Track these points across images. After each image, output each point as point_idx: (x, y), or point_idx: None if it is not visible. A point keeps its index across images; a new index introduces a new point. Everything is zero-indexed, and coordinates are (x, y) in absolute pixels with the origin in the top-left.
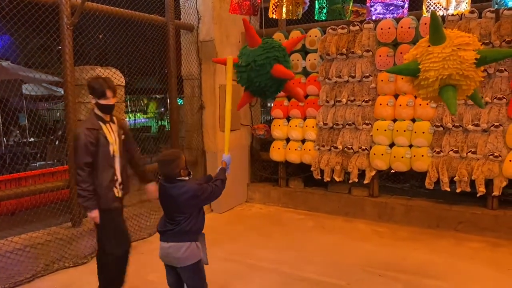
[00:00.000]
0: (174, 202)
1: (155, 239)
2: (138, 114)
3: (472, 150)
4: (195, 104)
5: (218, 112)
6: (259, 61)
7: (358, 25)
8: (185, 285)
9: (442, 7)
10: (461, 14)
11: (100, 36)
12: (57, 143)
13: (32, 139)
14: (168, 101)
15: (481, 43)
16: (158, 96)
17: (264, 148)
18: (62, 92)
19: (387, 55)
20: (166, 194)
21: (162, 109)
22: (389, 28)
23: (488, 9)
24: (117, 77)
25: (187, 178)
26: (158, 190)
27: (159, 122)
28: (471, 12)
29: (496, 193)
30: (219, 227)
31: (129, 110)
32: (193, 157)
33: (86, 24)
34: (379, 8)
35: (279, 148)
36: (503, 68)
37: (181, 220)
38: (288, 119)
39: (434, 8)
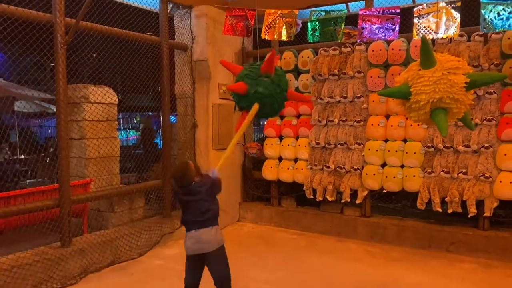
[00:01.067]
0: (200, 198)
1: (146, 259)
2: (130, 131)
3: (463, 170)
4: (188, 122)
5: (211, 130)
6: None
7: (349, 46)
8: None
9: (432, 30)
10: (451, 38)
11: (94, 55)
12: (48, 160)
13: (22, 156)
14: (161, 119)
15: (470, 66)
16: (151, 114)
17: (256, 167)
18: (54, 110)
19: (378, 76)
20: (189, 199)
21: (155, 127)
22: (380, 50)
23: (477, 33)
24: (110, 96)
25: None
26: (178, 201)
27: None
28: (460, 35)
29: (487, 214)
30: None
31: (122, 128)
32: None
33: (81, 43)
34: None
35: (271, 167)
36: (492, 91)
37: (208, 209)
38: (281, 138)
39: (424, 31)
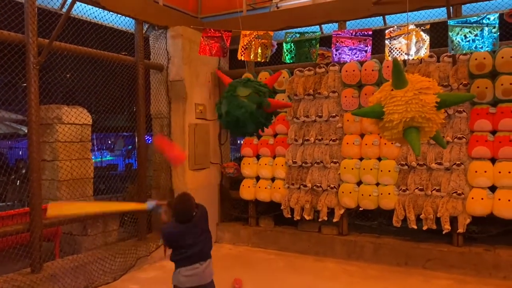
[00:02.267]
0: (202, 226)
1: (121, 283)
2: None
3: (436, 188)
4: None
5: (187, 151)
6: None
7: (324, 67)
8: None
9: (403, 52)
10: (421, 58)
11: (68, 75)
12: (18, 183)
13: None
14: (136, 140)
15: (440, 85)
16: (126, 134)
17: (233, 186)
18: (26, 131)
19: (352, 96)
20: (191, 230)
21: (130, 146)
22: (354, 70)
23: (446, 54)
24: (84, 116)
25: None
26: (177, 234)
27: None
28: (430, 56)
29: (460, 230)
30: None
31: (96, 148)
32: (161, 197)
33: (54, 63)
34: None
35: (249, 186)
36: (461, 109)
37: (206, 238)
38: (258, 157)
39: (395, 53)
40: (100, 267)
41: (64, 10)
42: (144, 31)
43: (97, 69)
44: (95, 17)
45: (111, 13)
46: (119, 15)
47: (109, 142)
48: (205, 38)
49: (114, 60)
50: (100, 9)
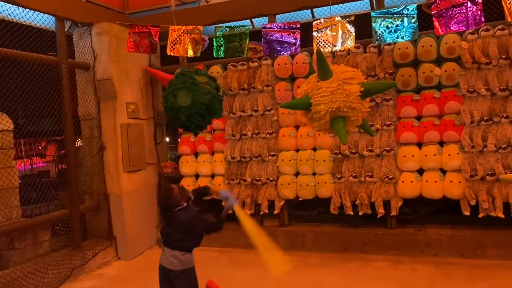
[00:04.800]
0: (175, 230)
1: None
2: (34, 158)
3: (369, 174)
4: (94, 145)
5: (121, 152)
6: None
7: (256, 61)
8: None
9: (330, 43)
10: (348, 49)
11: None
12: None
13: None
14: (65, 143)
15: (368, 75)
16: (58, 138)
17: None
18: None
19: (286, 89)
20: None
21: (63, 151)
22: (285, 64)
23: (371, 45)
24: (4, 122)
25: (185, 204)
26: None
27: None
28: (357, 47)
29: (394, 213)
30: (129, 275)
31: (24, 155)
32: (95, 202)
33: None
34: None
35: (188, 185)
36: (388, 98)
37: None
38: (196, 154)
39: (323, 44)
40: (31, 282)
41: None
42: (66, 29)
43: (20, 71)
44: (9, 14)
45: (28, 10)
46: (40, 13)
47: (40, 147)
48: (132, 35)
49: (34, 60)
50: (15, 6)
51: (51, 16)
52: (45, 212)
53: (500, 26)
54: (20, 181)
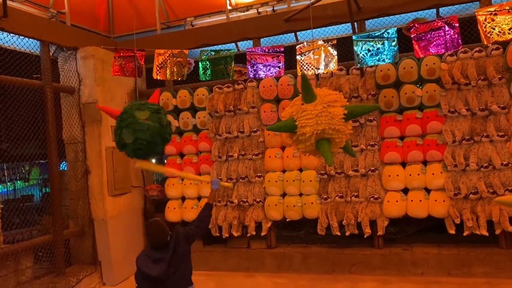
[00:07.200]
0: (180, 252)
1: None
2: (18, 182)
3: (355, 194)
4: (79, 169)
5: (106, 176)
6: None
7: (242, 83)
8: None
9: (314, 66)
10: (331, 72)
11: None
12: None
13: None
14: (48, 167)
15: (351, 97)
16: (42, 162)
17: (159, 209)
18: None
19: (271, 111)
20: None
21: (46, 175)
22: (270, 85)
23: (354, 67)
24: None
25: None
26: (145, 265)
27: (44, 190)
28: (340, 69)
29: (380, 232)
30: None
31: (8, 179)
32: (79, 227)
33: None
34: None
35: (174, 208)
36: (372, 118)
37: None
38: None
39: (306, 67)
40: None
41: None
42: (51, 53)
43: (4, 95)
44: None
45: (12, 35)
46: (25, 38)
47: (23, 171)
48: (117, 59)
49: (19, 84)
50: (0, 31)
51: (36, 41)
52: (27, 238)
53: (477, 48)
54: (2, 206)
